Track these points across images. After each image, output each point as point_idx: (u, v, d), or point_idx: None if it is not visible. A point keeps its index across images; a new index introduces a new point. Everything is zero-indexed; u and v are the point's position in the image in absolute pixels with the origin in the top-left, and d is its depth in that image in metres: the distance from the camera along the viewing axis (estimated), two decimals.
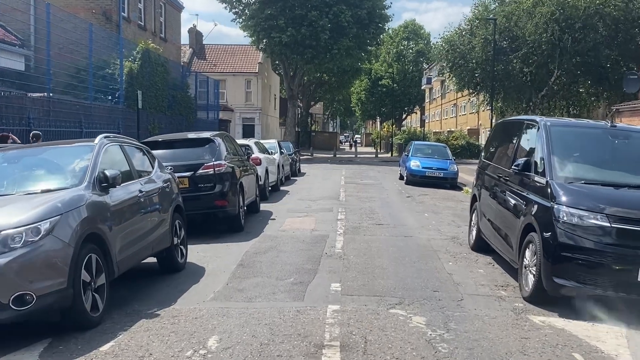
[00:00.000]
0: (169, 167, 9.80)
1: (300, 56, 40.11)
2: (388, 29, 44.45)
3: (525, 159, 7.12)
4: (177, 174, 9.79)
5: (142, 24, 26.40)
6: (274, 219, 12.31)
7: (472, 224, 9.52)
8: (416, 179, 21.15)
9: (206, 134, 11.00)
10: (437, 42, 29.15)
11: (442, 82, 69.70)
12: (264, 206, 14.24)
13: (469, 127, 54.59)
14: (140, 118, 20.42)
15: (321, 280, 7.16)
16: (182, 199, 9.65)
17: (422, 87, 76.85)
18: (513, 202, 7.26)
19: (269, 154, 18.47)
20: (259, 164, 15.71)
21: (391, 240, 9.99)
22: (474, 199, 9.59)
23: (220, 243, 9.60)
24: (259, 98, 46.67)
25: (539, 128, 7.24)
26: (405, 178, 21.97)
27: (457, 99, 61.99)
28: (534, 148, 7.19)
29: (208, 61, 46.99)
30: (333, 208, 14.13)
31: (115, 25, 23.51)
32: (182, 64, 42.82)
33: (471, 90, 29.03)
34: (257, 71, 46.31)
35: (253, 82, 46.48)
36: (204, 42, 49.55)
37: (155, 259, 7.46)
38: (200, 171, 10.04)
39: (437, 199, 16.99)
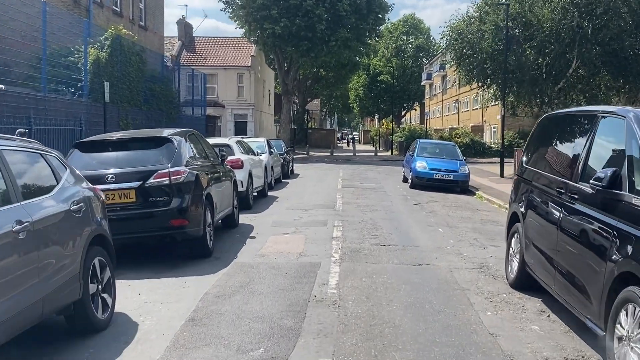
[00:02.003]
0: (109, 176, 7.51)
1: (295, 48, 37.68)
2: (388, 19, 41.93)
3: (612, 169, 4.70)
4: (121, 185, 7.53)
5: (118, 9, 23.85)
6: (254, 237, 9.92)
7: (511, 253, 7.12)
8: (422, 182, 18.75)
9: (163, 132, 8.58)
10: (443, 30, 26.60)
11: (443, 77, 67.40)
12: (245, 218, 11.86)
13: (472, 124, 52.23)
14: (110, 113, 18.05)
15: (305, 352, 4.76)
16: (126, 217, 7.40)
17: (422, 83, 74.59)
18: (591, 233, 4.87)
19: (255, 154, 16.06)
20: (241, 167, 13.34)
21: (402, 271, 7.59)
22: (513, 219, 7.19)
23: (174, 277, 7.19)
24: (251, 93, 44.20)
25: (627, 123, 4.85)
26: (410, 181, 19.57)
27: (459, 94, 59.64)
28: (622, 153, 4.80)
29: (198, 54, 44.48)
30: (327, 221, 11.74)
31: (85, 9, 21.03)
32: (170, 57, 40.46)
33: (480, 84, 26.56)
34: (249, 65, 43.83)
35: (245, 77, 44.00)
36: (193, 35, 47.04)
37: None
38: (151, 180, 7.62)
39: (449, 207, 14.60)
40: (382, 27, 46.44)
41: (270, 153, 19.06)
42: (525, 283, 6.70)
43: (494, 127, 48.83)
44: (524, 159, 7.38)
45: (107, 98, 16.39)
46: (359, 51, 42.41)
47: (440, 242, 9.77)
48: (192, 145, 8.92)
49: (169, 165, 7.78)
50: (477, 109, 53.36)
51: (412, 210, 13.88)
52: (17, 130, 12.56)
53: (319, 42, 36.96)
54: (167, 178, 7.67)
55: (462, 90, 57.62)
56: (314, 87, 59.41)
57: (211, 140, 13.89)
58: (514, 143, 36.91)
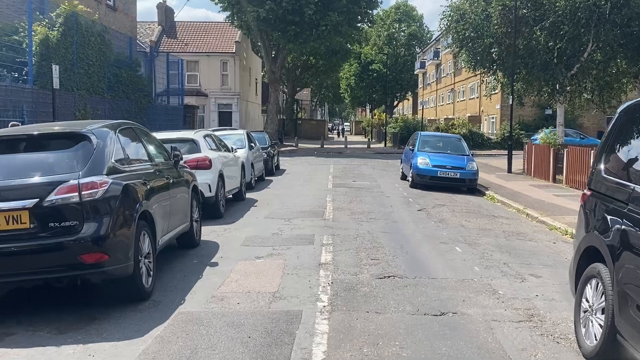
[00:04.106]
0: None
1: (282, 33, 35.12)
2: (381, 2, 39.34)
3: None
4: (8, 204, 5.19)
5: None
6: (216, 265, 7.50)
7: (585, 308, 4.75)
8: (424, 181, 16.38)
9: (79, 127, 6.10)
10: (444, 10, 24.08)
11: (437, 65, 65.01)
12: (211, 232, 9.46)
13: (469, 114, 49.90)
14: (65, 102, 15.57)
15: None
16: (15, 251, 5.11)
17: (415, 72, 72.17)
18: None
19: (230, 150, 13.62)
20: (208, 167, 10.90)
21: (421, 329, 5.20)
22: (587, 256, 4.81)
23: (81, 344, 4.76)
24: (236, 82, 41.59)
25: None
26: (410, 179, 17.18)
27: (454, 83, 57.35)
28: None
29: (179, 40, 41.83)
30: (315, 236, 9.35)
31: None
32: (149, 42, 37.78)
33: (485, 69, 24.10)
34: (234, 51, 41.17)
35: (230, 64, 41.35)
36: (175, 20, 44.30)
37: None
38: (53, 197, 5.18)
39: (461, 213, 12.25)
40: (375, 12, 43.92)
41: (251, 148, 16.62)
42: (614, 356, 4.36)
43: (492, 118, 46.59)
44: (602, 166, 5.00)
45: (56, 84, 13.85)
46: (350, 37, 39.94)
47: (462, 269, 7.40)
48: (125, 142, 6.46)
49: (80, 174, 5.34)
50: (473, 98, 51.09)
51: (418, 218, 11.50)
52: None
53: (308, 26, 34.43)
54: (76, 193, 5.23)
55: (458, 79, 55.35)
56: (303, 76, 56.87)
57: (172, 135, 11.51)
58: (514, 135, 34.65)
